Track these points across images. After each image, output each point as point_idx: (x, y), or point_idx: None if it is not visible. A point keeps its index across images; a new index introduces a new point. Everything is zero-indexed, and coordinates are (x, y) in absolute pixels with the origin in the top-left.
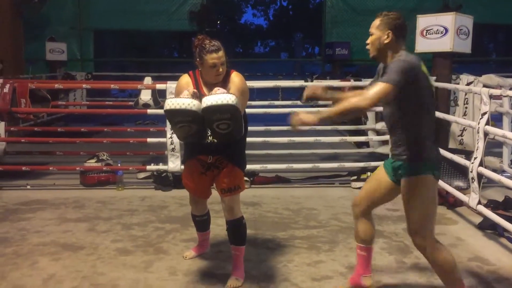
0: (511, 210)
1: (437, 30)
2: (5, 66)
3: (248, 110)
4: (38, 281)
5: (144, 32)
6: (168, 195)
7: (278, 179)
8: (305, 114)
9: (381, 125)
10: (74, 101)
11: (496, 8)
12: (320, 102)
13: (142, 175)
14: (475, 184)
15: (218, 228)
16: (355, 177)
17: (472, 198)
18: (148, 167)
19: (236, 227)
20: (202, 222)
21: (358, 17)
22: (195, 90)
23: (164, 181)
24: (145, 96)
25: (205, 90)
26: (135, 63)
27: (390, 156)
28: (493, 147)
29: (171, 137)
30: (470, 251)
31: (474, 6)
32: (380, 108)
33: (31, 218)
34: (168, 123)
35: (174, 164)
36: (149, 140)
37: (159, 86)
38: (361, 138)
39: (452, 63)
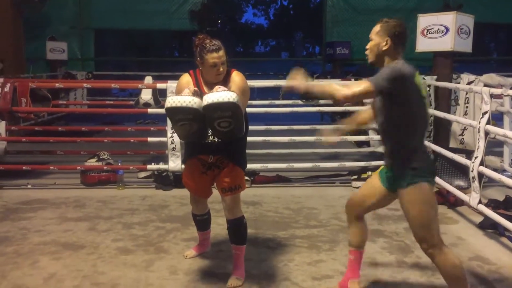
0: (511, 210)
1: (438, 29)
2: (6, 66)
3: (248, 110)
4: (39, 280)
5: (144, 32)
6: (168, 194)
7: (279, 179)
8: (297, 80)
9: None
10: (75, 101)
11: (497, 7)
12: (321, 102)
13: (142, 174)
14: (475, 184)
15: (218, 227)
16: (355, 177)
17: (472, 198)
18: (148, 167)
19: (237, 226)
20: (202, 222)
21: (358, 17)
22: (195, 88)
23: (165, 180)
24: (146, 95)
25: (205, 89)
26: (136, 62)
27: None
28: (494, 146)
29: (171, 137)
30: (471, 250)
31: (475, 6)
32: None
33: (32, 217)
34: (168, 122)
35: (175, 163)
36: (149, 139)
37: (160, 85)
38: (362, 138)
39: (453, 63)
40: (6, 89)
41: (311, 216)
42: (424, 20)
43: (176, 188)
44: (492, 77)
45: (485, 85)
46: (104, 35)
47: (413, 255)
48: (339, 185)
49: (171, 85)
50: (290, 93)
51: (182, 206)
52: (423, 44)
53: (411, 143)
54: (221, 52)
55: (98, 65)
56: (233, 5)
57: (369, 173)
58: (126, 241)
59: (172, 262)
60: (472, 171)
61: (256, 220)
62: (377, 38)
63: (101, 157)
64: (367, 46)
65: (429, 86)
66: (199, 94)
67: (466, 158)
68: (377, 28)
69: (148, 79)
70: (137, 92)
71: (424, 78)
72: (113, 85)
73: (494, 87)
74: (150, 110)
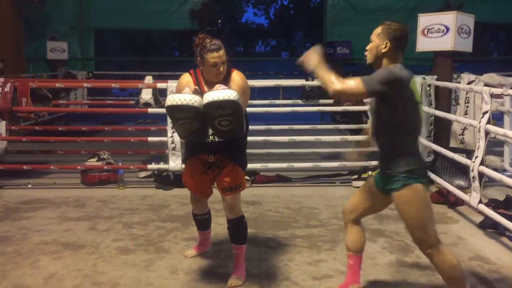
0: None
1: (438, 29)
2: (6, 65)
3: (249, 109)
4: (39, 280)
5: (145, 31)
6: (169, 194)
7: (279, 178)
8: (311, 58)
9: None
10: (75, 100)
11: (497, 7)
12: (321, 101)
13: (143, 174)
14: (476, 183)
15: (219, 227)
16: (356, 176)
17: (473, 197)
18: (149, 166)
19: (237, 226)
20: (203, 221)
21: (359, 16)
22: (196, 87)
23: (165, 180)
24: (146, 95)
25: (206, 88)
26: (136, 62)
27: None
28: (494, 146)
29: (172, 136)
30: (471, 250)
31: (475, 5)
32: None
33: (32, 217)
34: (169, 122)
35: (175, 163)
36: (150, 139)
37: (160, 85)
38: (362, 137)
39: (453, 62)
40: (7, 88)
41: (312, 216)
42: (425, 20)
43: (176, 187)
44: (492, 77)
45: (486, 84)
46: (104, 35)
47: (413, 254)
48: (340, 184)
49: (171, 84)
50: (301, 68)
51: (183, 205)
52: (424, 44)
53: (403, 145)
54: (222, 52)
55: (99, 65)
56: (233, 5)
57: (370, 173)
58: (126, 240)
59: (172, 261)
60: (472, 170)
61: (256, 220)
62: (377, 40)
63: (101, 157)
64: (367, 47)
65: (429, 85)
66: (200, 93)
67: (466, 157)
68: (378, 30)
69: (148, 79)
70: (137, 92)
71: (424, 78)
72: (113, 85)
73: (494, 86)
74: (150, 110)
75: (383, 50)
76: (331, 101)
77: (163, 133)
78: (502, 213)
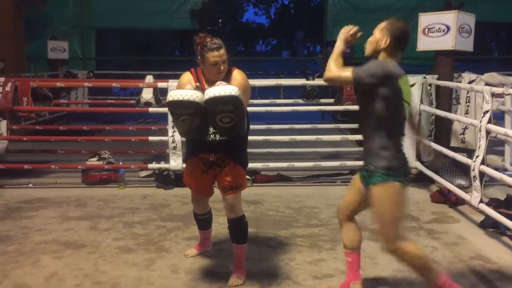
0: None
1: (439, 28)
2: (7, 65)
3: (249, 109)
4: (40, 279)
5: (145, 31)
6: (169, 193)
7: (280, 178)
8: (341, 35)
9: None
10: (76, 100)
11: (498, 6)
12: (322, 100)
13: (143, 173)
14: (477, 183)
15: (219, 226)
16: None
17: (474, 197)
18: (149, 166)
19: (238, 225)
20: (204, 221)
21: (359, 16)
22: (197, 83)
23: (166, 179)
24: (147, 94)
25: (207, 87)
26: (137, 61)
27: None
28: (495, 145)
29: (172, 136)
30: (472, 249)
31: (476, 4)
32: None
33: (33, 216)
34: (169, 122)
35: (176, 162)
36: (150, 138)
37: (161, 84)
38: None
39: (454, 61)
40: (8, 88)
41: (312, 215)
42: (425, 19)
43: (177, 187)
44: (493, 76)
45: (486, 84)
46: (105, 35)
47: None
48: (340, 184)
49: (172, 84)
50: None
51: (183, 205)
52: (424, 43)
53: (385, 142)
54: (222, 51)
55: (99, 64)
56: (234, 4)
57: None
58: (127, 240)
59: (173, 261)
60: (473, 170)
61: (257, 219)
62: (378, 35)
63: (102, 156)
64: (368, 40)
65: (430, 85)
66: (201, 89)
67: (467, 157)
68: (382, 25)
69: (149, 78)
70: (138, 91)
71: (425, 77)
72: (114, 84)
73: (495, 86)
74: (151, 109)
75: (383, 46)
76: (331, 100)
77: (164, 132)
78: (503, 212)
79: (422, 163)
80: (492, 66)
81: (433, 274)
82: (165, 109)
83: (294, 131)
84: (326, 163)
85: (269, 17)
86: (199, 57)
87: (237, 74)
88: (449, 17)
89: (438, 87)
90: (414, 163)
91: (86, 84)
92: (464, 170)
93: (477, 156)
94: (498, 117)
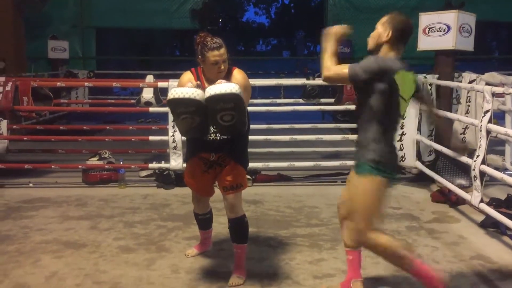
0: None
1: (440, 28)
2: (7, 65)
3: (250, 108)
4: (41, 278)
5: (146, 30)
6: (170, 193)
7: (280, 177)
8: (332, 34)
9: None
10: (76, 99)
11: (498, 5)
12: (322, 100)
13: (144, 173)
14: (477, 182)
15: (220, 226)
16: None
17: (474, 196)
18: (150, 165)
19: (238, 225)
20: (204, 221)
21: (360, 15)
22: (198, 82)
23: (166, 179)
24: (147, 94)
25: (207, 86)
26: (137, 61)
27: None
28: (496, 145)
29: (173, 135)
30: (472, 249)
31: (476, 4)
32: None
33: (34, 216)
34: (170, 121)
35: (176, 162)
36: (151, 138)
37: (161, 84)
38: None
39: (455, 61)
40: (8, 88)
41: (313, 215)
42: (426, 19)
43: (177, 186)
44: (493, 76)
45: (487, 83)
46: (105, 34)
47: (415, 254)
48: (341, 183)
49: (172, 83)
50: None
51: (184, 204)
52: (425, 43)
53: (377, 135)
54: (222, 50)
55: (100, 64)
56: (234, 4)
57: None
58: (127, 239)
59: (173, 260)
60: (473, 169)
61: (257, 219)
62: (381, 28)
63: (102, 156)
64: (371, 34)
65: (430, 84)
66: (202, 88)
67: (467, 157)
68: (384, 18)
69: (150, 78)
70: (139, 91)
71: (425, 77)
72: (114, 84)
73: (495, 85)
74: (151, 109)
75: (384, 39)
76: (332, 100)
77: (164, 132)
78: (504, 212)
79: (423, 162)
80: (493, 66)
81: (407, 262)
82: (165, 109)
83: (295, 130)
84: (327, 162)
85: (269, 16)
86: (199, 57)
87: (238, 73)
88: (450, 17)
89: (438, 87)
90: (414, 163)
91: (86, 83)
92: (464, 169)
93: (477, 156)
94: (498, 117)
